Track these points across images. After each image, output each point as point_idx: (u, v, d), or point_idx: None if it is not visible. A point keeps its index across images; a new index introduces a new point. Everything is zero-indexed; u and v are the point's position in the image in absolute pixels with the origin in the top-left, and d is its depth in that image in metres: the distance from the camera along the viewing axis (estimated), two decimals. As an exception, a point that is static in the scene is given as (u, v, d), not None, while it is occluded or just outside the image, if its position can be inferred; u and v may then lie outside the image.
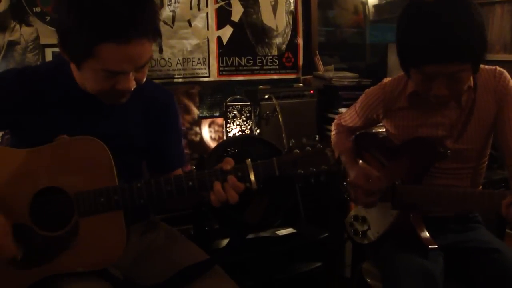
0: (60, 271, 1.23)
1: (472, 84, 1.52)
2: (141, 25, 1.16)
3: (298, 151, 1.26)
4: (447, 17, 1.33)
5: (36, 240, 1.21)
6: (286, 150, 1.28)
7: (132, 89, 1.26)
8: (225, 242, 2.04)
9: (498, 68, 1.57)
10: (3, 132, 2.10)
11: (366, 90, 1.79)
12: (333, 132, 1.92)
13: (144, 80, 1.29)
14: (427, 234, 1.54)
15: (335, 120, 1.93)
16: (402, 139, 1.67)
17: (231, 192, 1.24)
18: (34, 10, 2.27)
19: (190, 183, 1.24)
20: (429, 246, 1.51)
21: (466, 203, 1.50)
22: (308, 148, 1.26)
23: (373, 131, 2.02)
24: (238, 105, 2.47)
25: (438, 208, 1.63)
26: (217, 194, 1.24)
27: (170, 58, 2.60)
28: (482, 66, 1.52)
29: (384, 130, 1.82)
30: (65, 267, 1.23)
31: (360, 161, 1.75)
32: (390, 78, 1.74)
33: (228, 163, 1.26)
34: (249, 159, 1.26)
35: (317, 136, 1.29)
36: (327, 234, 2.14)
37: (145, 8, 1.18)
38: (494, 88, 1.54)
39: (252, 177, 1.24)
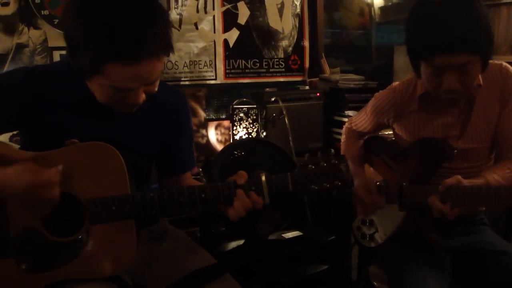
0: (69, 277, 1.21)
1: (481, 82, 1.52)
2: (151, 45, 1.11)
3: (313, 167, 1.24)
4: (453, 9, 1.37)
5: (46, 245, 1.20)
6: (300, 164, 1.26)
7: (142, 102, 1.23)
8: (231, 245, 2.04)
9: (504, 63, 1.57)
10: (11, 134, 2.11)
11: (376, 94, 1.79)
12: (343, 137, 1.91)
13: (156, 91, 1.26)
14: (435, 235, 1.54)
15: (346, 124, 1.93)
16: (411, 141, 1.67)
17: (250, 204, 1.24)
18: (43, 13, 2.28)
19: (203, 195, 1.23)
20: (437, 248, 1.51)
21: (480, 199, 1.45)
22: (323, 163, 1.24)
23: (381, 135, 2.01)
24: (245, 107, 2.48)
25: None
26: (236, 211, 1.24)
27: (177, 61, 2.61)
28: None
29: (391, 132, 1.82)
30: (75, 274, 1.21)
31: (370, 168, 1.76)
32: (398, 82, 1.73)
33: (242, 177, 1.25)
34: (264, 173, 1.24)
35: (332, 150, 1.27)
36: (333, 237, 2.14)
37: (156, 25, 1.12)
38: (500, 84, 1.54)
39: (266, 192, 1.23)
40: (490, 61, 1.53)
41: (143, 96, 1.22)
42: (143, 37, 1.09)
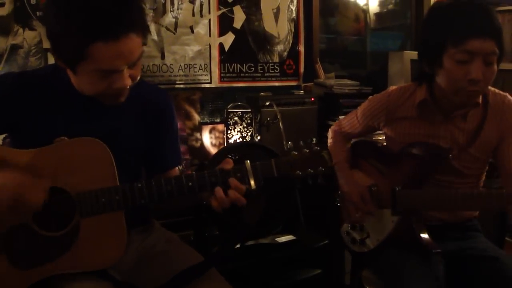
0: (61, 271, 1.23)
1: (480, 101, 1.55)
2: (127, 21, 1.18)
3: (296, 153, 1.28)
4: (477, 2, 1.48)
5: (37, 240, 1.22)
6: (283, 151, 1.30)
7: (128, 87, 1.27)
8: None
9: (507, 96, 1.61)
10: (3, 136, 2.11)
11: (370, 97, 1.80)
12: (329, 140, 1.91)
13: (139, 77, 1.30)
14: (429, 239, 1.54)
15: (333, 127, 1.93)
16: (403, 145, 1.68)
17: (236, 195, 1.25)
18: (38, 14, 2.28)
19: (190, 184, 1.25)
20: (433, 251, 1.52)
21: (472, 203, 1.50)
22: (306, 150, 1.29)
23: (371, 139, 2.02)
24: (239, 111, 2.48)
25: (441, 210, 1.64)
26: (219, 201, 1.25)
27: (172, 64, 2.61)
28: (494, 89, 1.61)
29: (382, 138, 1.83)
30: (66, 268, 1.23)
31: (360, 172, 1.75)
32: (395, 86, 1.75)
33: (228, 163, 1.28)
34: (248, 161, 1.27)
35: (314, 139, 1.31)
36: (326, 241, 2.14)
37: (130, 3, 1.21)
38: (500, 115, 1.58)
39: (251, 178, 1.26)
40: (498, 91, 1.61)
41: (129, 80, 1.26)
42: (119, 14, 1.17)
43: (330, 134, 1.93)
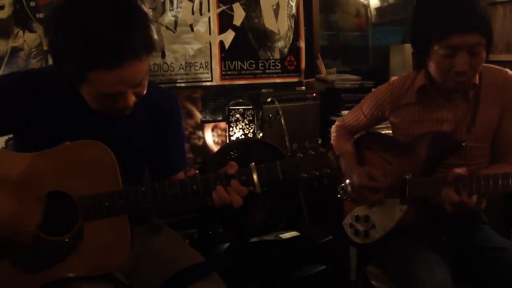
0: (66, 275, 1.22)
1: (477, 81, 1.57)
2: (129, 48, 1.12)
3: (301, 155, 1.26)
4: None
5: (41, 244, 1.21)
6: (289, 154, 1.29)
7: (133, 104, 1.24)
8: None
9: (509, 71, 1.62)
10: (7, 138, 2.11)
11: (373, 89, 1.84)
12: (333, 135, 1.92)
13: (145, 92, 1.27)
14: (439, 228, 1.56)
15: (336, 123, 1.95)
16: (408, 133, 1.69)
17: (234, 195, 1.24)
18: (38, 16, 2.28)
19: (195, 187, 1.24)
20: (443, 238, 1.54)
21: (494, 184, 1.44)
22: (311, 151, 1.27)
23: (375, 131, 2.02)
24: (241, 109, 2.47)
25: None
26: (219, 195, 1.24)
27: (172, 63, 2.61)
28: (491, 66, 1.62)
29: (386, 132, 1.83)
30: (71, 272, 1.22)
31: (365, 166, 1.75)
32: (397, 77, 1.78)
33: (232, 167, 1.26)
34: (253, 163, 1.26)
35: (319, 140, 1.30)
36: (331, 237, 2.13)
37: (133, 28, 1.13)
38: (501, 90, 1.59)
39: (256, 181, 1.25)
40: (495, 66, 1.62)
41: (133, 98, 1.23)
42: (121, 41, 1.10)
43: (333, 129, 1.94)
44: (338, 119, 1.96)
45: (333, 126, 1.95)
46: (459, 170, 1.44)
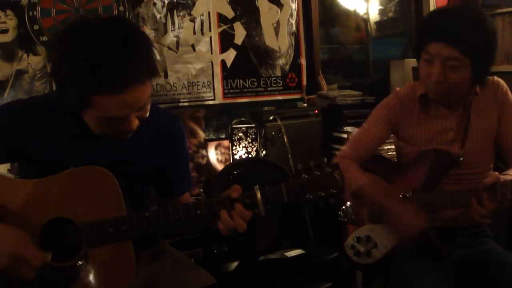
0: None
1: (478, 90, 1.61)
2: (133, 73, 1.13)
3: (306, 176, 1.24)
4: (464, 12, 1.54)
5: (46, 271, 1.20)
6: (293, 174, 1.26)
7: (136, 127, 1.25)
8: (234, 265, 2.03)
9: (495, 77, 1.67)
10: (9, 165, 2.11)
11: (378, 105, 1.78)
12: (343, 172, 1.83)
13: (148, 115, 1.28)
14: (443, 243, 1.55)
15: (337, 159, 1.77)
16: (415, 145, 1.68)
17: (238, 220, 1.23)
18: (41, 39, 2.31)
19: (198, 212, 1.24)
20: (444, 256, 1.54)
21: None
22: (317, 172, 1.24)
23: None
24: (244, 127, 2.49)
25: (455, 208, 1.58)
26: (225, 223, 1.23)
27: (175, 83, 2.63)
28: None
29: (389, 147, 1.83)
30: None
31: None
32: (400, 88, 1.77)
33: (236, 191, 1.25)
34: (257, 186, 1.25)
35: (325, 159, 1.27)
36: (336, 254, 2.12)
37: (136, 53, 1.14)
38: (494, 95, 1.64)
39: (261, 204, 1.23)
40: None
41: (136, 122, 1.24)
42: (124, 66, 1.12)
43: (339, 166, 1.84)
44: (338, 154, 1.83)
45: (337, 163, 1.84)
46: (492, 179, 1.44)
